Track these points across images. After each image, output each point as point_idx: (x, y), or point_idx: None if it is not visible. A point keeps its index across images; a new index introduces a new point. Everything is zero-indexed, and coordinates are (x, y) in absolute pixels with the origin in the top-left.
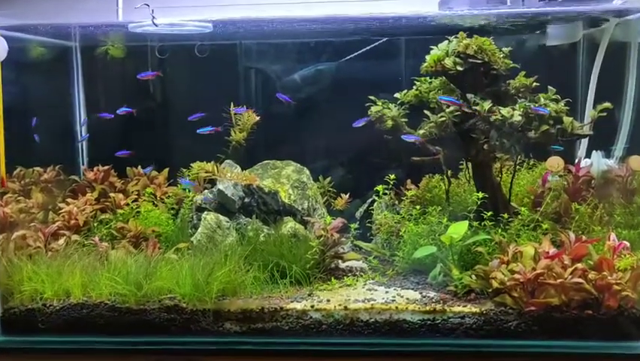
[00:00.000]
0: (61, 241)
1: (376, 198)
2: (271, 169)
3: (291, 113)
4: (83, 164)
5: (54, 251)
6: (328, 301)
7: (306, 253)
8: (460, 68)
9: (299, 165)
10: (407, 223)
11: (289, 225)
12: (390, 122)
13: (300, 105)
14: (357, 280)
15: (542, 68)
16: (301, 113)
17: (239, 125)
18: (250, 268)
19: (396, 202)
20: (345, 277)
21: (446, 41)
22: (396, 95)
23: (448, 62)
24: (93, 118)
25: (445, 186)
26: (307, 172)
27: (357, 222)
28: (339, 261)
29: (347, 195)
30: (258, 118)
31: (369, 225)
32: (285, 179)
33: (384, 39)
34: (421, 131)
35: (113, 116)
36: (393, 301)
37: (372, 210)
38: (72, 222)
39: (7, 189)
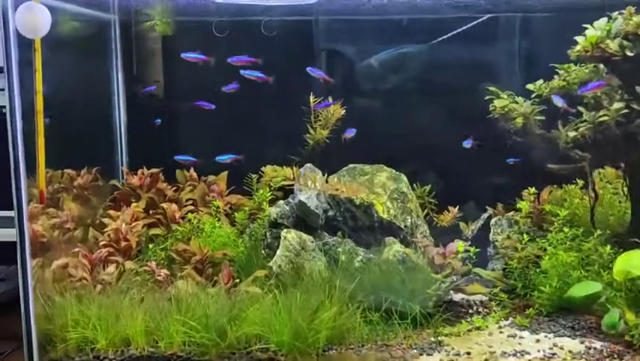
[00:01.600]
0: (112, 268)
1: (490, 212)
2: (360, 175)
3: (369, 107)
4: (122, 164)
5: (104, 284)
6: (468, 354)
7: (422, 285)
8: (629, 53)
9: (393, 170)
10: (550, 249)
11: (394, 248)
12: (520, 120)
13: (380, 96)
14: (486, 320)
15: None
16: (384, 106)
17: (319, 120)
18: (357, 306)
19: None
20: (466, 314)
21: (604, 19)
22: (529, 86)
23: (613, 45)
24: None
25: (587, 202)
26: (405, 180)
27: (468, 244)
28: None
29: (456, 209)
30: (343, 112)
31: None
32: (381, 188)
33: (488, 16)
34: (572, 134)
35: (214, 107)
36: (553, 356)
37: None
38: (123, 243)
39: (45, 206)
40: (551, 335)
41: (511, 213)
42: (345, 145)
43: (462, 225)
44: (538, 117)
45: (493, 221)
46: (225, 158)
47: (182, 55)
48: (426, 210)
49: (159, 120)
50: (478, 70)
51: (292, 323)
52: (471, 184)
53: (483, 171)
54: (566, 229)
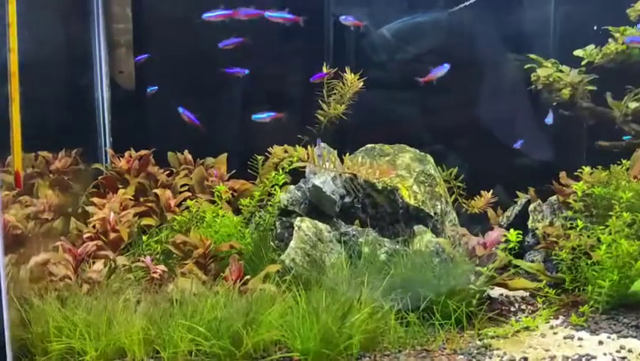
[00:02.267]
0: (100, 265)
1: (529, 196)
2: (379, 156)
3: (386, 81)
4: (106, 145)
5: (92, 283)
6: (525, 360)
7: (461, 281)
8: None
9: (417, 150)
10: (605, 237)
11: (426, 238)
12: (567, 92)
13: (395, 70)
14: (534, 320)
15: None
16: (400, 81)
17: (333, 94)
18: (391, 306)
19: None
20: (508, 313)
21: None
22: (578, 52)
23: None
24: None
25: (635, 184)
26: (432, 161)
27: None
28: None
29: (489, 193)
30: (361, 85)
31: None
32: (405, 170)
33: None
34: (633, 105)
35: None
36: (623, 360)
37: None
38: (111, 235)
39: (21, 191)
40: (614, 336)
41: (554, 197)
42: (358, 122)
43: (490, 212)
44: (588, 87)
45: (532, 207)
46: (264, 116)
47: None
48: (453, 196)
49: (154, 88)
50: (504, 39)
51: (320, 326)
52: (498, 166)
53: (511, 152)
54: (625, 215)
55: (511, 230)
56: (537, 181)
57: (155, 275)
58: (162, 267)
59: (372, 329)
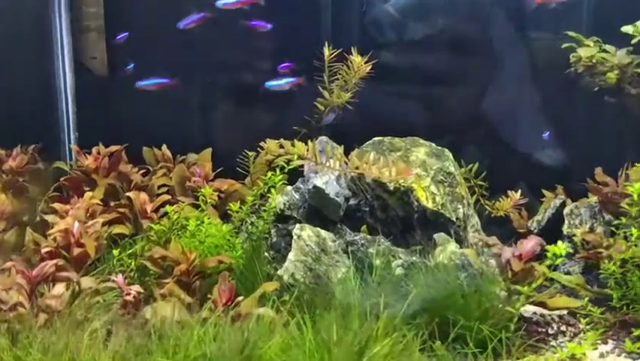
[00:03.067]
0: (61, 288)
1: (563, 197)
2: (389, 151)
3: (386, 63)
4: (70, 141)
5: (50, 313)
6: None
7: (497, 301)
8: None
9: (433, 144)
10: None
11: (450, 248)
12: (613, 75)
13: (398, 50)
14: (581, 345)
15: None
16: (404, 62)
17: (337, 78)
18: (415, 333)
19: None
20: (546, 336)
21: None
22: (626, 29)
23: None
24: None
25: None
26: (451, 157)
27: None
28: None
29: (518, 193)
30: (369, 68)
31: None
32: (420, 168)
33: None
34: None
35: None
36: None
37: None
38: (75, 250)
39: None
40: None
41: (593, 199)
42: (360, 111)
43: (514, 215)
44: (638, 70)
45: (567, 209)
46: (281, 83)
47: None
48: (474, 196)
49: (131, 66)
50: (527, 16)
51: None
52: (522, 161)
53: (538, 144)
54: None
55: (560, 242)
56: (568, 179)
57: (128, 298)
58: (137, 287)
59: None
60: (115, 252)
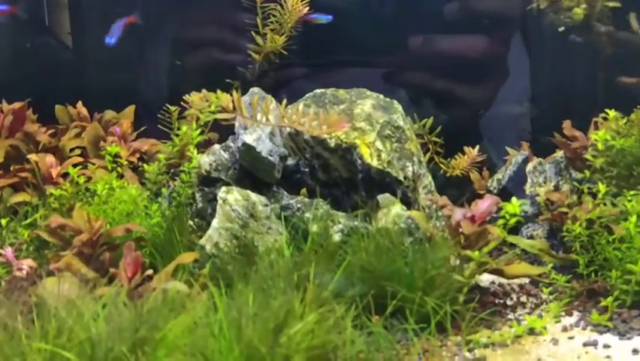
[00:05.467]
0: None
1: (526, 153)
2: (332, 104)
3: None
4: None
5: None
6: None
7: (446, 269)
8: None
9: (381, 96)
10: (636, 206)
11: (394, 211)
12: (580, 11)
13: None
14: (542, 319)
15: None
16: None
17: (271, 22)
18: (347, 308)
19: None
20: (505, 308)
21: None
22: None
23: None
24: None
25: None
26: (400, 109)
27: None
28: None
29: (475, 150)
30: (306, 10)
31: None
32: (365, 122)
33: None
34: None
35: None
36: None
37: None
38: None
39: None
40: None
41: (559, 153)
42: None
43: (474, 174)
44: (609, 3)
45: (530, 166)
46: None
47: None
48: (428, 154)
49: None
50: None
51: (244, 346)
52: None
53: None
54: None
55: (514, 198)
56: (533, 134)
57: (19, 273)
58: (30, 262)
59: (320, 343)
60: (3, 221)
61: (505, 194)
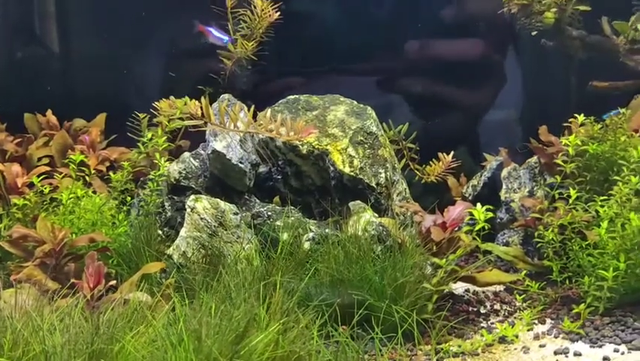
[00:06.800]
0: None
1: (501, 158)
2: (304, 110)
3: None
4: None
5: None
6: None
7: (416, 276)
8: None
9: (354, 102)
10: (606, 211)
11: (365, 218)
12: (551, 15)
13: None
14: (513, 327)
15: None
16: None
17: (242, 28)
18: (313, 317)
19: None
20: (477, 317)
21: None
22: None
23: None
24: None
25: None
26: (374, 115)
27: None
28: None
29: (449, 157)
30: (277, 15)
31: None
32: (338, 128)
33: None
34: None
35: None
36: None
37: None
38: None
39: None
40: (623, 348)
41: (533, 159)
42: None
43: (451, 180)
44: (580, 7)
45: (505, 172)
46: None
47: None
48: (404, 161)
49: None
50: None
51: (203, 356)
52: (460, 122)
53: (477, 102)
54: (634, 179)
55: (479, 204)
56: (510, 140)
57: None
58: None
59: (284, 354)
60: None
61: (480, 201)
